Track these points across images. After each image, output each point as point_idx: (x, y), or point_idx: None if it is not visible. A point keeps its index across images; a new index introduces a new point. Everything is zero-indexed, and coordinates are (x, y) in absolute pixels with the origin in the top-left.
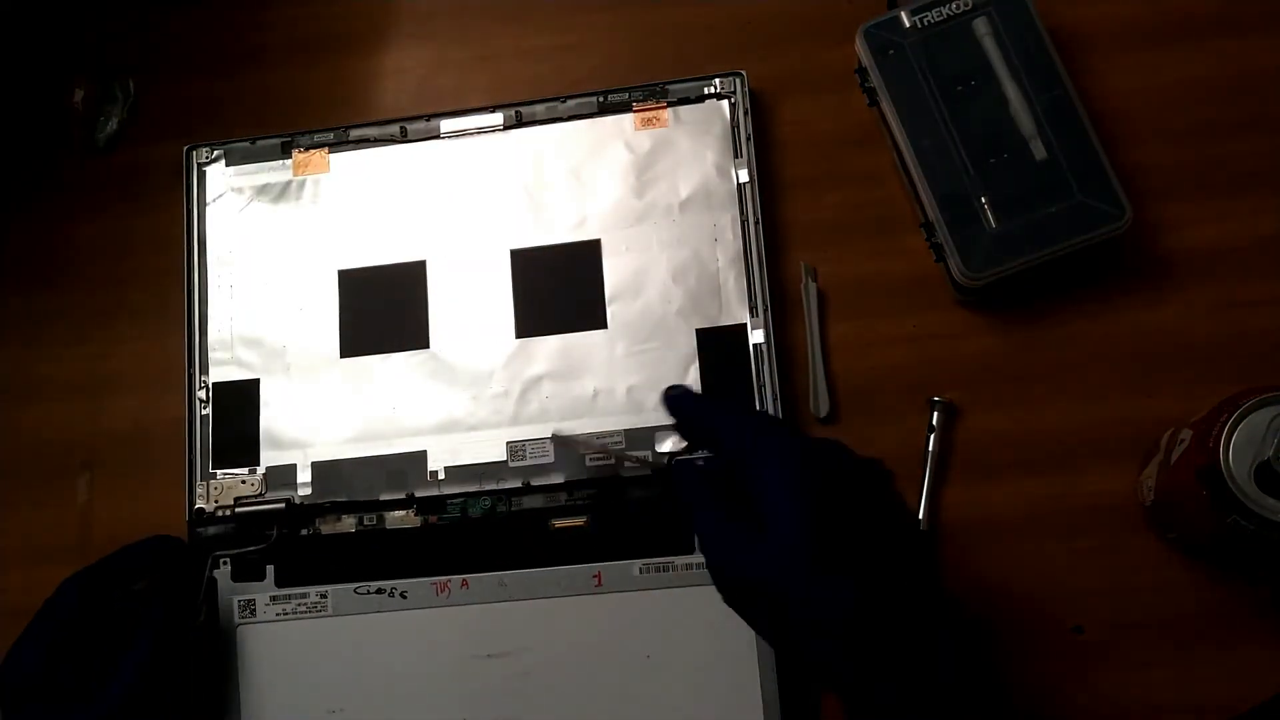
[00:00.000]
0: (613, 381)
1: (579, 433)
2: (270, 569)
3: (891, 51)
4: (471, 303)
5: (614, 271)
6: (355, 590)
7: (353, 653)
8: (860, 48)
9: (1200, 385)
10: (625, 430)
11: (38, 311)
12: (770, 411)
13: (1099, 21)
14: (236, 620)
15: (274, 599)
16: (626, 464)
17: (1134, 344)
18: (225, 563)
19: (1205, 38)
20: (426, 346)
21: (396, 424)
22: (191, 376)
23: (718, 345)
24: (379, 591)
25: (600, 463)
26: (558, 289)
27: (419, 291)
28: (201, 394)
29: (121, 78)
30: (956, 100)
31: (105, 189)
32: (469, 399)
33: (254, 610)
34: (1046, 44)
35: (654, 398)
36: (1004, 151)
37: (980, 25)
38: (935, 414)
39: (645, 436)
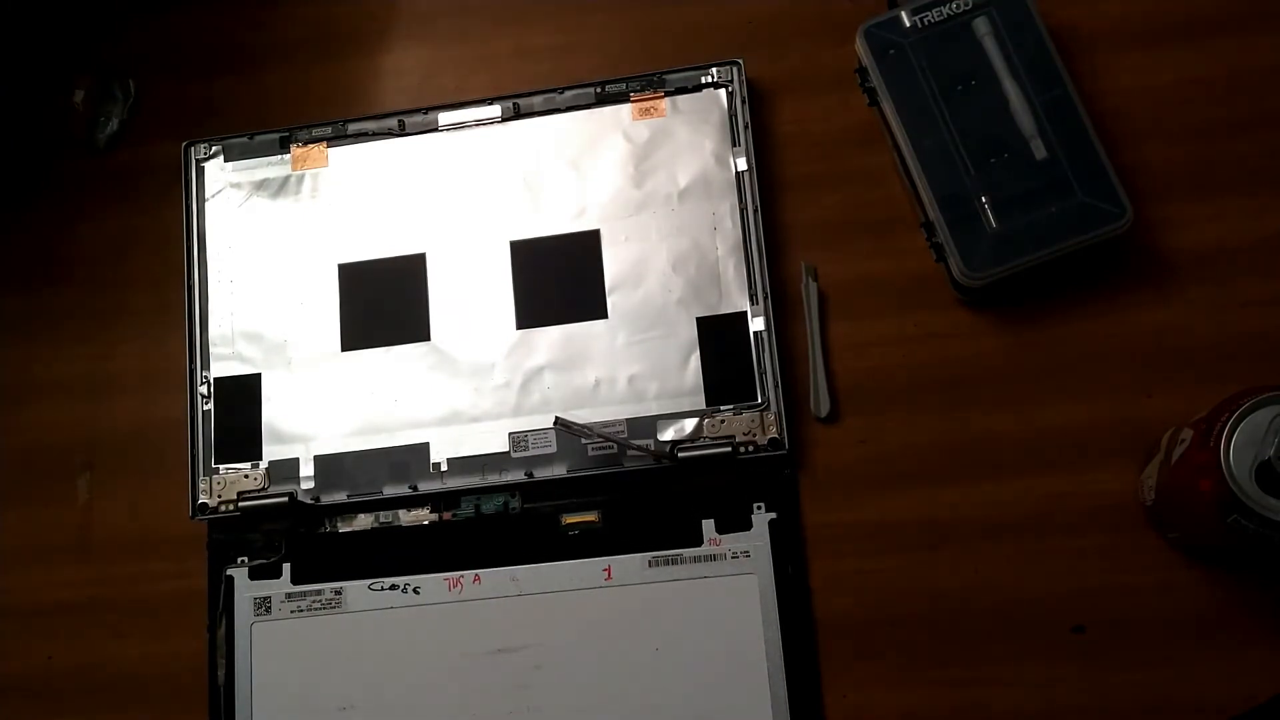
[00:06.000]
0: (614, 371)
1: (581, 421)
2: (286, 567)
3: (892, 51)
4: (472, 295)
5: (614, 261)
6: (369, 586)
7: (365, 649)
8: (860, 48)
9: (1200, 385)
10: (627, 419)
11: (38, 311)
12: (772, 402)
13: (1099, 21)
14: (252, 618)
15: (289, 596)
16: (630, 452)
17: (1134, 344)
18: (243, 560)
19: (1205, 37)
20: (427, 339)
21: (398, 416)
22: (193, 372)
23: (718, 333)
24: (392, 588)
25: (603, 450)
26: (558, 280)
27: (419, 284)
28: (203, 389)
29: (121, 78)
30: (957, 100)
31: (105, 189)
32: (471, 390)
33: (269, 608)
34: (1047, 44)
35: (655, 387)
36: (1004, 151)
37: (980, 25)
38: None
39: (647, 425)
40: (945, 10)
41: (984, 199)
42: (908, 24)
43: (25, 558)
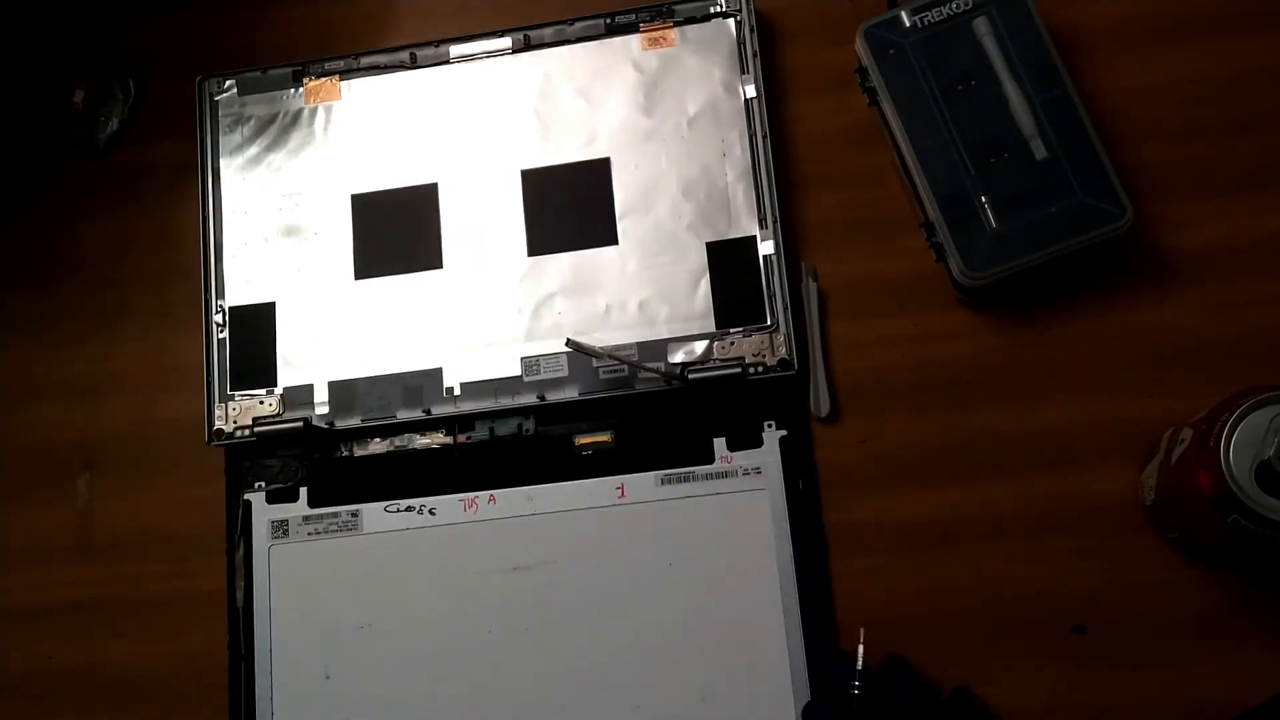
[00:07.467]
0: (625, 296)
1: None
2: (303, 491)
3: (891, 51)
4: (484, 223)
5: (624, 188)
6: (385, 509)
7: (382, 569)
8: (860, 48)
9: (1200, 385)
10: (638, 343)
11: (38, 311)
12: (781, 324)
13: (1099, 21)
14: (270, 541)
15: (306, 519)
16: (641, 373)
17: (1134, 344)
18: (260, 486)
19: (1205, 38)
20: (440, 267)
21: (412, 343)
22: (208, 302)
23: (728, 257)
24: (408, 509)
25: (614, 373)
26: (568, 207)
27: (431, 214)
28: (218, 318)
29: (121, 78)
30: (956, 100)
31: (105, 189)
32: (483, 317)
33: (287, 531)
34: (1046, 44)
35: (666, 311)
36: (1004, 151)
37: (980, 25)
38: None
39: (658, 349)
40: (945, 10)
41: (984, 199)
42: (908, 24)
43: (25, 558)
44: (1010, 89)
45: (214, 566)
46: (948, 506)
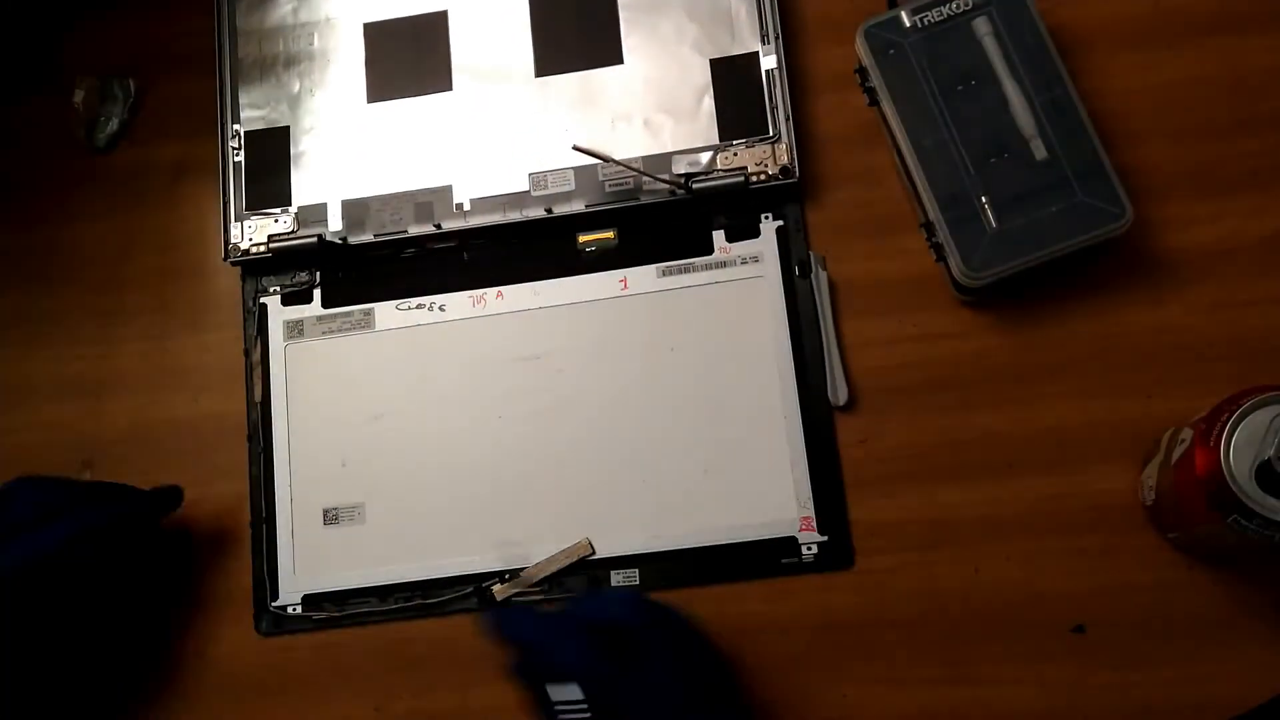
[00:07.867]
0: (630, 113)
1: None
2: (317, 293)
3: (892, 51)
4: (492, 47)
5: (629, 9)
6: (397, 306)
7: (394, 363)
8: (860, 48)
9: (1200, 385)
10: (643, 157)
11: (38, 311)
12: (783, 134)
13: (1099, 21)
14: (286, 341)
15: (320, 319)
16: (644, 182)
17: (1134, 344)
18: (275, 290)
19: (1205, 38)
20: (450, 89)
21: (422, 162)
22: (224, 124)
23: (731, 73)
24: (419, 306)
25: (620, 185)
26: (575, 30)
27: (441, 39)
28: (234, 142)
29: (121, 78)
30: (956, 100)
31: (105, 189)
32: (492, 136)
33: (302, 330)
34: (1047, 44)
35: (670, 126)
36: (1004, 151)
37: (980, 25)
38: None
39: (663, 161)
40: (945, 10)
41: (984, 199)
42: (908, 24)
43: None
44: (1010, 89)
45: (213, 567)
46: (948, 506)
